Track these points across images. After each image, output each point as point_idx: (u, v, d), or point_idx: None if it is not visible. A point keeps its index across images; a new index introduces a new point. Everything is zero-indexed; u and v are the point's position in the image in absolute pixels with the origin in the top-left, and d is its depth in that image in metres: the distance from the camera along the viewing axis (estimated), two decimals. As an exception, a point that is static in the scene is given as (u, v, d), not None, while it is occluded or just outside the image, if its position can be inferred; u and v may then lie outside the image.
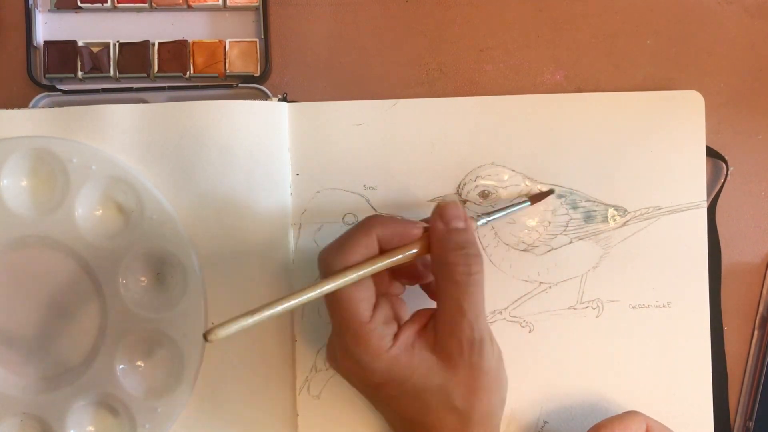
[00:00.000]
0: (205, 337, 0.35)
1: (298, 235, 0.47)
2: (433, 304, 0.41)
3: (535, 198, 0.47)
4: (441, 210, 0.40)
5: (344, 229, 0.47)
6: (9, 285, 0.46)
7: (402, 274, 0.43)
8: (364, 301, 0.38)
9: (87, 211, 0.46)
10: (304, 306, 0.47)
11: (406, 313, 0.42)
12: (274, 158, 0.47)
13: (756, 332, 0.49)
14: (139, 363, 0.47)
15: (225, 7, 0.49)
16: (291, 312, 0.47)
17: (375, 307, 0.39)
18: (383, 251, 0.39)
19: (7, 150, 0.45)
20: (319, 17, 0.50)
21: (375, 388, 0.40)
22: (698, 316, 0.48)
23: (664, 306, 0.48)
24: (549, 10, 0.50)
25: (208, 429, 0.46)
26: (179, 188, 0.46)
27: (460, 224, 0.40)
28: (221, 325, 0.35)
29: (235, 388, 0.46)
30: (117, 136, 0.46)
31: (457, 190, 0.48)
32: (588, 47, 0.50)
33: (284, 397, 0.47)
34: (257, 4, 0.49)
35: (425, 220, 0.41)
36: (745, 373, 0.49)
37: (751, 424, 0.48)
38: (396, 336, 0.39)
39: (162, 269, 0.47)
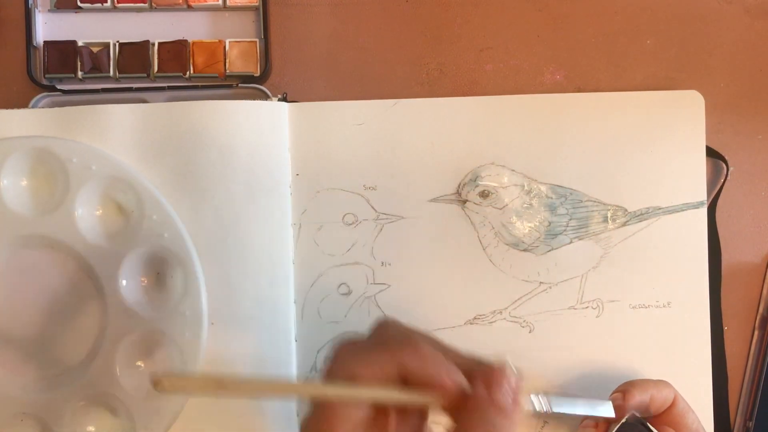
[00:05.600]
0: (155, 384, 0.31)
1: (298, 235, 0.47)
2: None
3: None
4: (489, 373, 0.32)
5: (344, 229, 0.47)
6: (9, 285, 0.46)
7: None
8: (347, 422, 0.31)
9: (87, 211, 0.46)
10: (303, 306, 0.47)
11: None
12: (274, 158, 0.47)
13: (756, 332, 0.49)
14: (139, 363, 0.47)
15: (225, 7, 0.49)
16: (293, 312, 0.47)
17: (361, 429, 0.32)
18: (403, 379, 0.32)
19: (7, 150, 0.45)
20: (319, 17, 0.50)
21: None
22: (698, 316, 0.48)
23: (664, 306, 0.48)
24: (549, 10, 0.50)
25: (207, 429, 0.46)
26: (179, 188, 0.46)
27: (508, 400, 0.32)
28: (176, 377, 0.33)
29: (235, 388, 0.46)
30: (117, 136, 0.46)
31: (457, 190, 0.48)
32: (588, 47, 0.50)
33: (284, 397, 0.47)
34: (257, 4, 0.49)
35: (468, 364, 0.33)
36: (745, 373, 0.49)
37: (751, 424, 0.48)
38: None
39: (162, 269, 0.47)
